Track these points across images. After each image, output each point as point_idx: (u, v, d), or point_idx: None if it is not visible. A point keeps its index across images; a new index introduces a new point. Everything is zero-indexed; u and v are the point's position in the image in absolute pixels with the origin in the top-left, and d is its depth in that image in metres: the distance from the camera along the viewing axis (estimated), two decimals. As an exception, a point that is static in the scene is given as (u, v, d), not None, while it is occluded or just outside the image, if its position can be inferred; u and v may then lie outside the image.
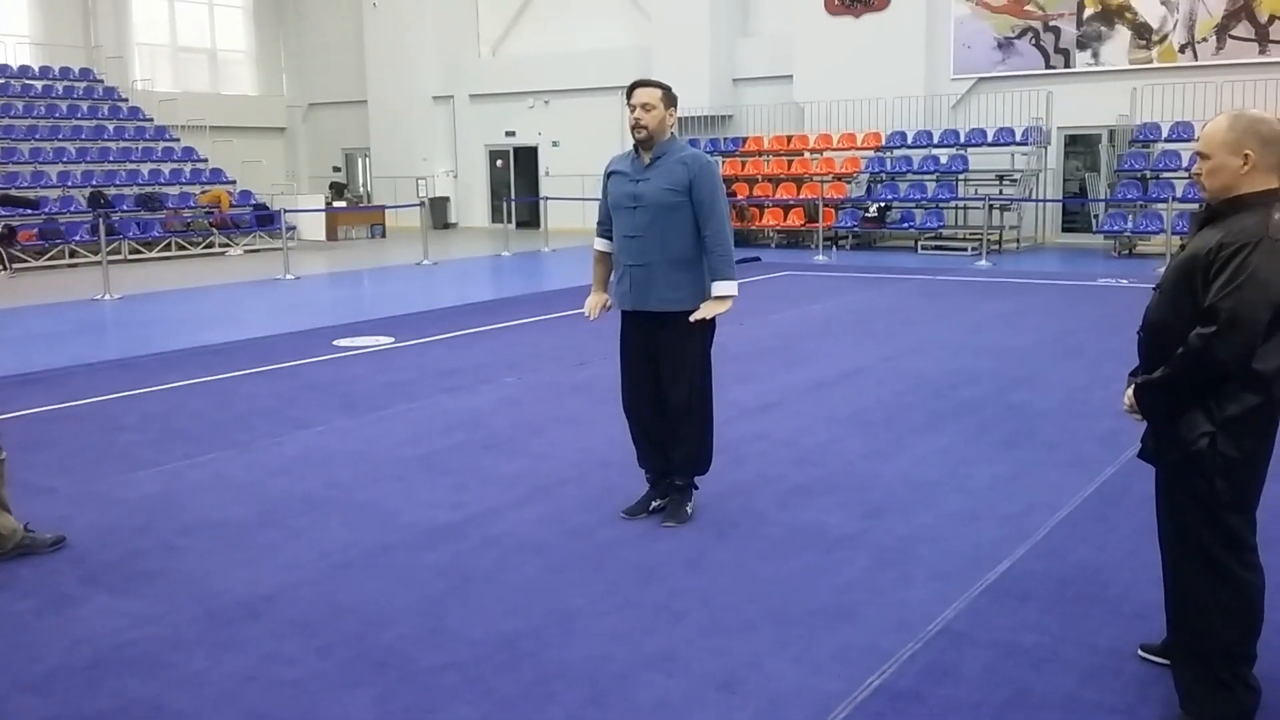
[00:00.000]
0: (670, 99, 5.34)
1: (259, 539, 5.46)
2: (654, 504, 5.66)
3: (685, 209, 5.27)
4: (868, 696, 3.74)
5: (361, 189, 32.96)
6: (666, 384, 5.46)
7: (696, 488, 5.71)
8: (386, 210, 27.03)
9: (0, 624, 4.50)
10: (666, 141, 5.35)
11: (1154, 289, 3.51)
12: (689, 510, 5.61)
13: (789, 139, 24.38)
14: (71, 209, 22.39)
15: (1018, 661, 3.98)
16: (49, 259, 20.87)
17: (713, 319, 5.38)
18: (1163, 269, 3.61)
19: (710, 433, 5.63)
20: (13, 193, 20.25)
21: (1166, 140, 20.41)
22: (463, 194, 31.04)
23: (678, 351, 5.42)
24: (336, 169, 33.45)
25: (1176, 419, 3.37)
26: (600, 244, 5.68)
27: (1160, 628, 3.81)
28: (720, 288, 5.32)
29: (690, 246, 5.32)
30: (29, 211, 19.47)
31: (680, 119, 27.01)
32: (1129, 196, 20.11)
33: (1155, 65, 21.14)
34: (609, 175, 5.53)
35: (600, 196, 5.66)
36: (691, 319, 5.31)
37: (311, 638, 4.30)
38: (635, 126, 5.30)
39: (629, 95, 5.35)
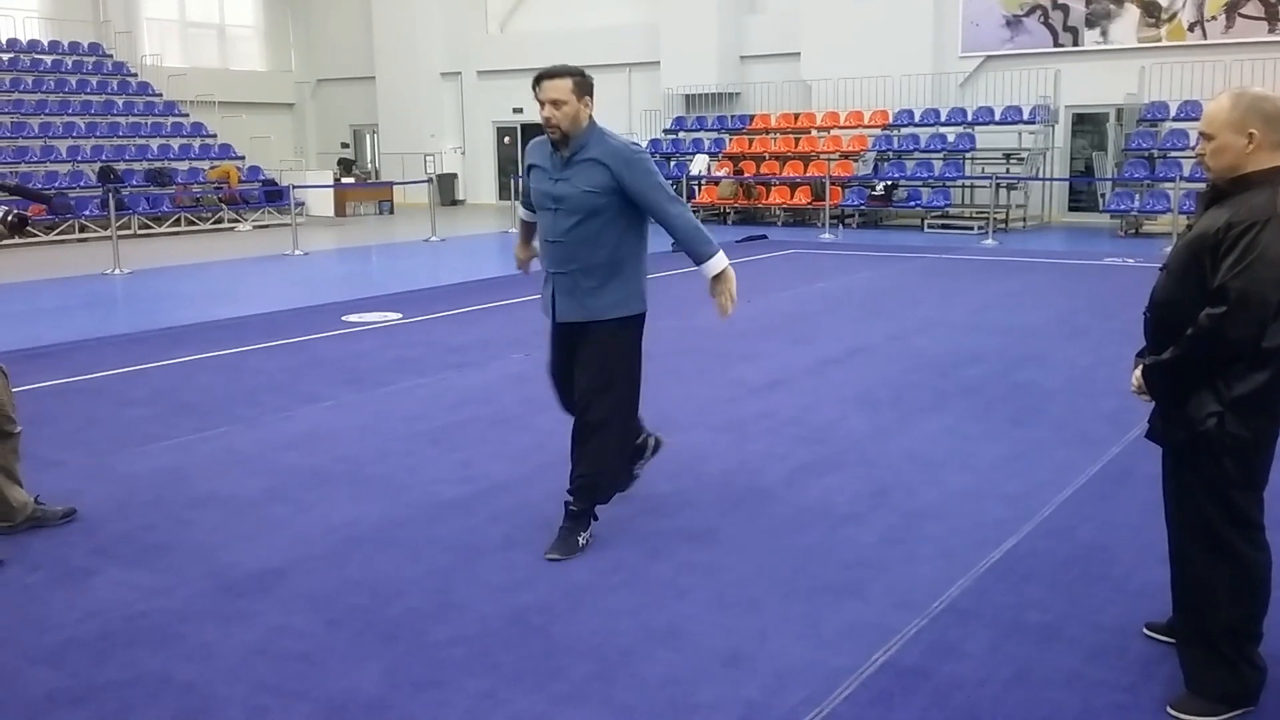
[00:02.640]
0: (583, 88, 4.71)
1: (268, 513, 5.49)
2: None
3: (610, 210, 4.73)
4: (874, 672, 3.76)
5: (369, 165, 32.94)
6: (585, 396, 4.87)
7: (596, 518, 5.04)
8: (394, 186, 27.03)
9: (11, 596, 4.53)
10: (584, 133, 4.74)
11: (1161, 269, 3.50)
12: (581, 541, 4.93)
13: (796, 116, 24.35)
14: (81, 184, 22.39)
15: (1022, 639, 3.99)
16: (59, 234, 20.91)
17: (637, 328, 4.92)
18: (1169, 249, 3.61)
19: (625, 456, 5.13)
20: (29, 187, 20.26)
21: (1174, 119, 20.35)
22: (470, 170, 31.05)
23: (603, 362, 4.84)
24: (345, 145, 33.44)
25: (1185, 399, 3.37)
26: (524, 214, 5.30)
27: (1165, 606, 3.82)
28: (712, 266, 4.79)
29: (616, 250, 4.79)
30: (46, 212, 19.40)
31: (687, 96, 27.09)
32: (1136, 176, 20.07)
33: (1164, 44, 21.05)
34: (529, 168, 4.99)
35: (523, 177, 5.15)
36: (720, 318, 4.94)
37: (321, 611, 4.33)
38: (546, 125, 4.70)
39: (535, 88, 4.72)
